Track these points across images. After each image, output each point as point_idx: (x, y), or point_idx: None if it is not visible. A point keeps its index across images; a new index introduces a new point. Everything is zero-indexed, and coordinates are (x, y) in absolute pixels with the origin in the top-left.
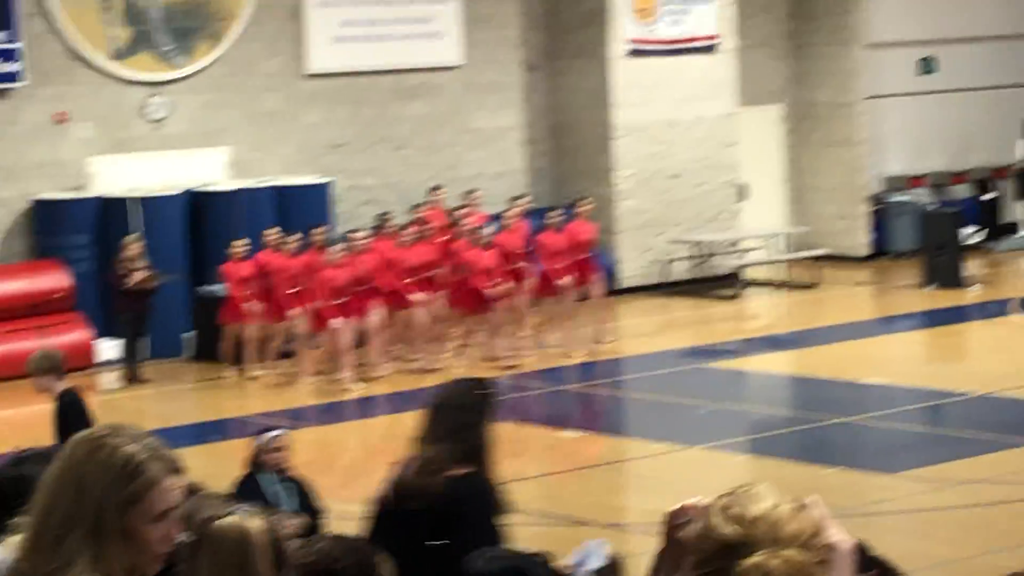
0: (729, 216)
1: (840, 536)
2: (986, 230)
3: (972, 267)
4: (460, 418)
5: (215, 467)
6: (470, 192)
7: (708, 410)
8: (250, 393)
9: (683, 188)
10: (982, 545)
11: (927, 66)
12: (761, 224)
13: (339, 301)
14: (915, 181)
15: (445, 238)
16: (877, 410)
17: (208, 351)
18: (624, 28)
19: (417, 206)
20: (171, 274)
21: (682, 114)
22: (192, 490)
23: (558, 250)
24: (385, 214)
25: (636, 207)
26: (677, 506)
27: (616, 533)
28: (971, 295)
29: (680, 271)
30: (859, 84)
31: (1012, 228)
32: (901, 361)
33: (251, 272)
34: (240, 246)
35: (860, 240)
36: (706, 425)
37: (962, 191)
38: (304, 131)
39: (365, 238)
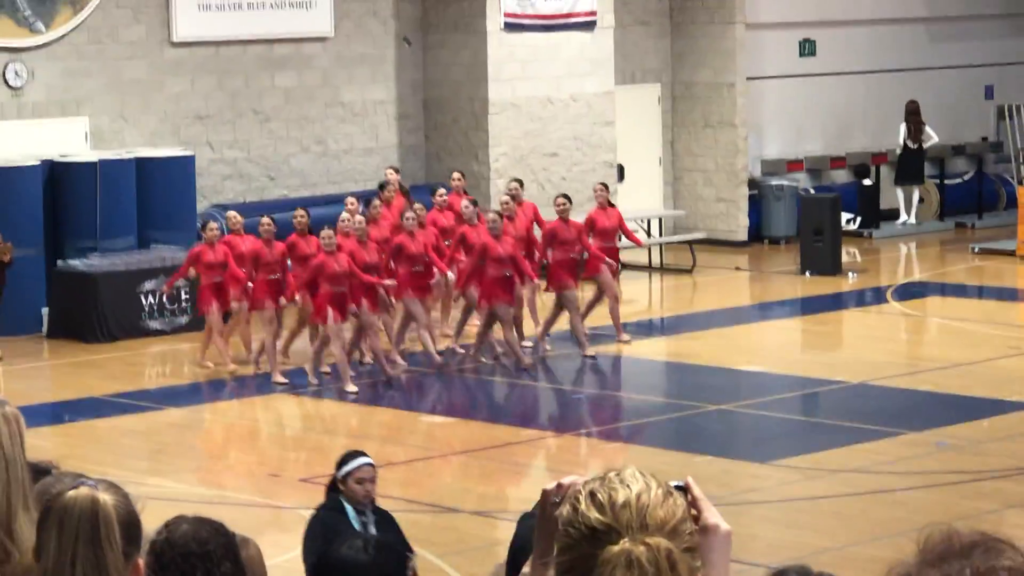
0: None
1: (716, 519)
2: (864, 216)
3: (850, 254)
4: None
5: (70, 447)
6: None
7: (583, 396)
8: (109, 373)
9: (559, 167)
10: (855, 535)
11: (807, 48)
12: (638, 206)
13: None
14: (793, 165)
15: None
16: (752, 398)
17: (65, 327)
18: (501, 2)
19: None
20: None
21: (559, 91)
22: (45, 470)
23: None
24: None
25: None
26: (553, 484)
27: (486, 520)
28: (848, 282)
29: None
30: (738, 65)
31: (889, 214)
32: (777, 348)
33: (223, 256)
34: (214, 228)
35: (738, 224)
36: (581, 411)
37: (841, 176)
38: (168, 101)
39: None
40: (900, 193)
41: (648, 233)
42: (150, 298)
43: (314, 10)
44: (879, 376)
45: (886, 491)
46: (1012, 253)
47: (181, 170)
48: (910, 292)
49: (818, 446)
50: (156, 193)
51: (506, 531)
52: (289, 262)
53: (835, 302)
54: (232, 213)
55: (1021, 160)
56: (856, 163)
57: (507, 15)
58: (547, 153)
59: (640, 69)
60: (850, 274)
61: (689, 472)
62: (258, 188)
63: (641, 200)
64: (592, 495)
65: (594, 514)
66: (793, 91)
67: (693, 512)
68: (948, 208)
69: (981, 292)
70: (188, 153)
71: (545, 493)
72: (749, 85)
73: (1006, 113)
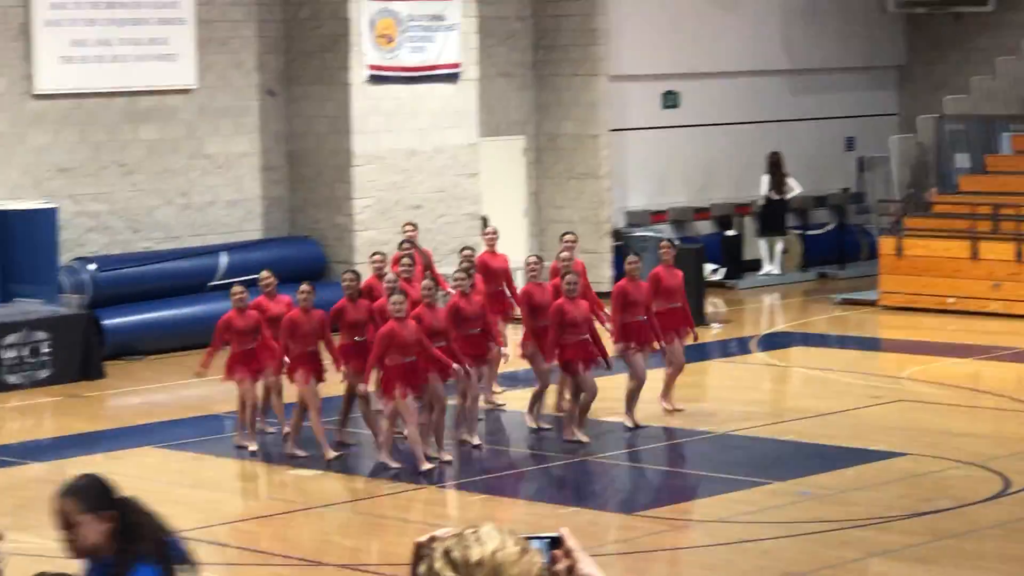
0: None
1: (591, 570)
2: (728, 267)
3: (713, 304)
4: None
5: None
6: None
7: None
8: None
9: (424, 219)
10: None
11: (670, 100)
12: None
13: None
14: (657, 216)
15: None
16: (616, 449)
17: None
18: (365, 54)
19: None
20: None
21: (423, 143)
22: None
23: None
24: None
25: (375, 238)
26: (425, 537)
27: (350, 573)
28: (712, 332)
29: None
30: (602, 116)
31: (752, 265)
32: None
33: (254, 322)
34: (240, 292)
35: (604, 274)
36: (445, 464)
37: (704, 227)
38: (30, 154)
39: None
40: (763, 244)
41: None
42: (10, 352)
43: (178, 62)
44: (744, 426)
45: (751, 540)
46: (873, 303)
47: (43, 223)
48: (774, 342)
49: (684, 496)
50: (18, 246)
51: None
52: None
53: (699, 352)
54: (265, 273)
55: (881, 211)
56: (719, 214)
57: (371, 67)
58: (412, 205)
59: (505, 121)
60: (714, 325)
61: (555, 523)
62: (122, 241)
63: (506, 251)
64: (447, 553)
65: (448, 573)
66: (657, 143)
67: (568, 563)
68: (810, 258)
69: (843, 342)
70: (51, 206)
71: (417, 546)
72: (613, 137)
73: (866, 165)
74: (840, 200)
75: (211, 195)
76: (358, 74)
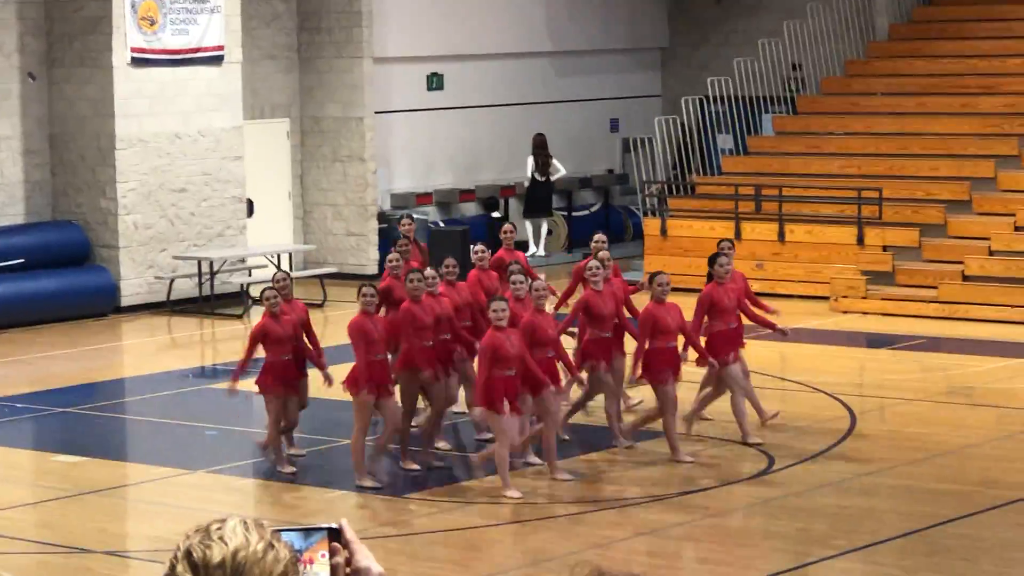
0: (236, 232)
1: (368, 562)
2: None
3: None
4: None
5: None
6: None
7: (214, 432)
8: None
9: (188, 203)
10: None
11: (435, 82)
12: (268, 241)
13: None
14: (423, 198)
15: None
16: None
17: None
18: (127, 36)
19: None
20: None
21: (187, 127)
22: None
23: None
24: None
25: (139, 222)
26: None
27: (118, 560)
28: None
29: (186, 289)
30: (366, 99)
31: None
32: None
33: (291, 330)
34: (275, 296)
35: (369, 258)
36: (211, 448)
37: (470, 209)
38: None
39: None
40: (529, 225)
41: (278, 267)
42: None
43: None
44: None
45: (525, 521)
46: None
47: None
48: None
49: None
50: None
51: (139, 571)
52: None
53: None
54: (279, 275)
55: (646, 192)
56: (485, 196)
57: (134, 50)
58: (176, 189)
59: (269, 104)
60: None
61: (326, 508)
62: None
63: (271, 235)
64: (188, 554)
65: None
66: (422, 125)
67: (346, 555)
68: (576, 240)
69: None
70: None
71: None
72: (378, 119)
73: (631, 146)
74: (605, 181)
75: None
76: (121, 57)
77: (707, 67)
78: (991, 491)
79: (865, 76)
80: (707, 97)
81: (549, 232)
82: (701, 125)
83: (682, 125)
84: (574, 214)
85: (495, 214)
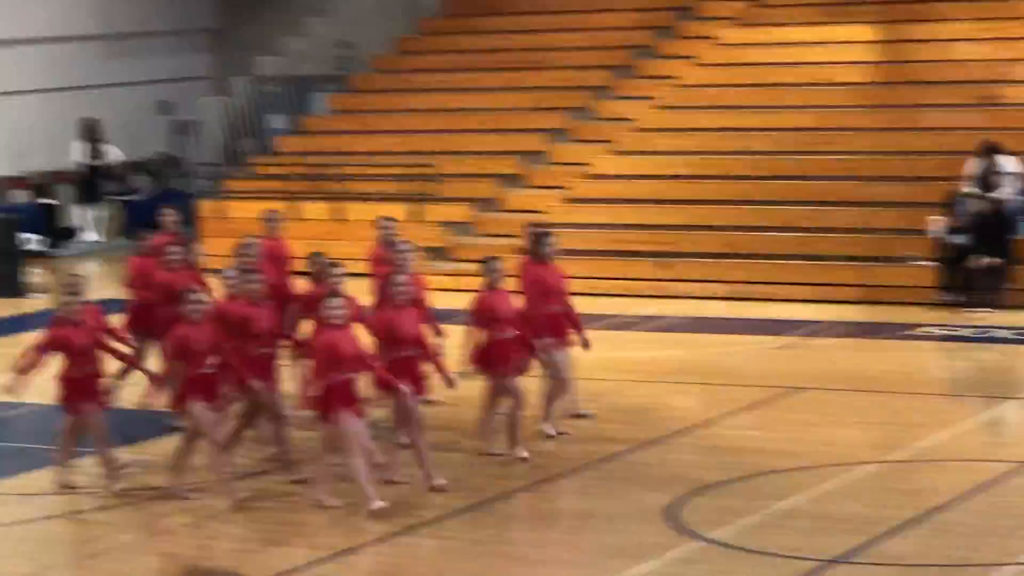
0: None
1: None
2: (47, 236)
3: (35, 274)
4: None
5: None
6: None
7: None
8: None
9: None
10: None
11: None
12: None
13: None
14: None
15: None
16: None
17: None
18: None
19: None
20: None
21: None
22: None
23: None
24: None
25: None
26: None
27: None
28: (34, 303)
29: None
30: None
31: (72, 233)
32: None
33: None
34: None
35: None
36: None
37: (21, 196)
38: None
39: None
40: (81, 211)
41: None
42: None
43: None
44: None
45: (74, 512)
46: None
47: None
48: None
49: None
50: None
51: None
52: None
53: (18, 324)
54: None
55: (199, 175)
56: (37, 183)
57: None
58: None
59: None
60: (35, 295)
61: None
62: None
63: None
64: None
65: None
66: None
67: None
68: (132, 224)
69: None
70: None
71: None
72: None
73: (180, 128)
74: (158, 165)
75: None
76: None
77: (258, 46)
78: None
79: (417, 53)
80: (258, 77)
81: (106, 217)
82: (254, 106)
83: (231, 106)
84: (128, 198)
85: (47, 201)
